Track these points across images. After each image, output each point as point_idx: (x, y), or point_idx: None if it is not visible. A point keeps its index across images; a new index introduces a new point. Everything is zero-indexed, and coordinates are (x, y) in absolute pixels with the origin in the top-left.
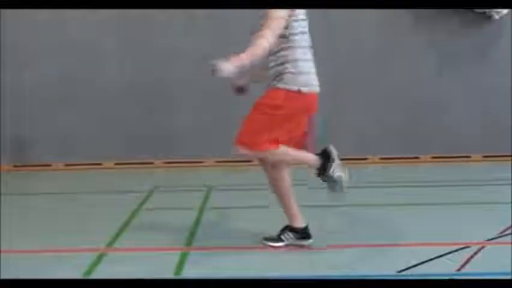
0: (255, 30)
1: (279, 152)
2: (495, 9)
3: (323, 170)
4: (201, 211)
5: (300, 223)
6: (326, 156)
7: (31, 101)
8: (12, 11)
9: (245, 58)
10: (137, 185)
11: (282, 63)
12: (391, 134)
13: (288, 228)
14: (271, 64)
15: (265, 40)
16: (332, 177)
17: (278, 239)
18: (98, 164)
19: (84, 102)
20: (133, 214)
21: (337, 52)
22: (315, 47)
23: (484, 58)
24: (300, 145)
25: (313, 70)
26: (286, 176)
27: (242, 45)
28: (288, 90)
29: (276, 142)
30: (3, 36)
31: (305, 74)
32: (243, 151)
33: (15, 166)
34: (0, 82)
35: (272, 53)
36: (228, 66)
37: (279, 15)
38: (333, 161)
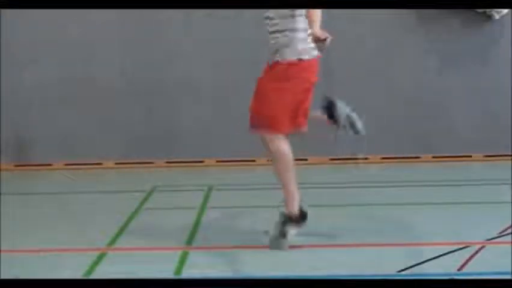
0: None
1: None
2: (495, 9)
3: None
4: (201, 211)
5: (296, 206)
6: (328, 105)
7: (31, 101)
8: (12, 11)
9: (318, 19)
10: (137, 184)
11: (284, 34)
12: (391, 133)
13: (287, 220)
14: (278, 41)
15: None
16: (341, 120)
17: (284, 236)
18: (98, 163)
19: (84, 102)
20: (133, 214)
21: (337, 52)
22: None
23: (484, 58)
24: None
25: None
26: (287, 152)
27: (242, 45)
28: (291, 62)
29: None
30: (3, 36)
31: (303, 41)
32: (272, 140)
33: (15, 166)
34: (0, 82)
35: (271, 18)
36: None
37: None
38: (335, 105)
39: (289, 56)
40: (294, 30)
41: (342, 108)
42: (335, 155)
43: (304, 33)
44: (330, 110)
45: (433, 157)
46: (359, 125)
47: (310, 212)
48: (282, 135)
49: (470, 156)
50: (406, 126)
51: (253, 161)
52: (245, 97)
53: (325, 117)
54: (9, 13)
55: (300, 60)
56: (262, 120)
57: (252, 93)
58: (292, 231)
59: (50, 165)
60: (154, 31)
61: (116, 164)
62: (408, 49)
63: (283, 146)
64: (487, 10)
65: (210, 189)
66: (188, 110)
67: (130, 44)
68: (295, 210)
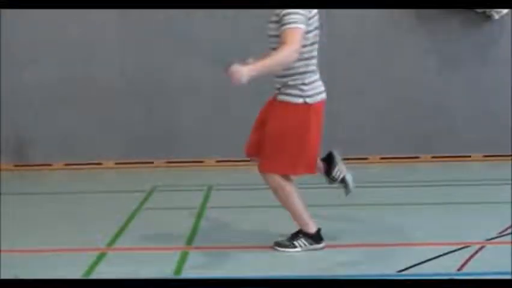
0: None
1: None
2: (495, 9)
3: (327, 174)
4: (201, 211)
5: (313, 228)
6: (329, 160)
7: (31, 101)
8: (12, 11)
9: (265, 67)
10: (137, 184)
11: (291, 76)
12: (391, 133)
13: (301, 234)
14: (279, 74)
15: (289, 53)
16: (336, 180)
17: (291, 244)
18: (98, 163)
19: (84, 102)
20: (133, 214)
21: (337, 52)
22: None
23: (484, 58)
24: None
25: (318, 77)
26: (289, 184)
27: (242, 45)
28: (297, 104)
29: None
30: (3, 36)
31: (313, 83)
32: (271, 177)
33: (15, 166)
34: (0, 82)
35: (287, 75)
36: (245, 72)
37: (300, 28)
38: (336, 165)
39: (296, 98)
40: (302, 73)
41: (341, 170)
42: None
43: (311, 76)
44: (329, 166)
45: (433, 157)
46: (351, 186)
47: (310, 212)
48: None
49: (470, 156)
50: (406, 126)
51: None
52: (245, 97)
53: (322, 167)
54: (9, 13)
55: (305, 103)
56: (272, 163)
57: (252, 94)
58: (302, 246)
59: (50, 165)
60: (154, 31)
61: (116, 164)
62: (408, 49)
63: (283, 181)
64: (487, 10)
65: (210, 189)
66: (189, 110)
67: (130, 44)
68: (312, 230)
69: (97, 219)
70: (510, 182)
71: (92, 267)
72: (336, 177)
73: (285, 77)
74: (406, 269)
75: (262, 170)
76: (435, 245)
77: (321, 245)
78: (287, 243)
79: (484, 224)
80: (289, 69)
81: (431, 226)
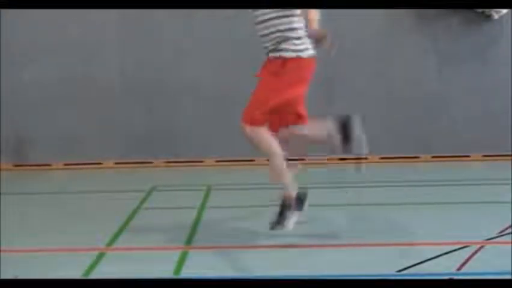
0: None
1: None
2: (494, 9)
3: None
4: (201, 211)
5: (293, 190)
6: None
7: (31, 101)
8: (12, 11)
9: (315, 20)
10: (137, 184)
11: (281, 31)
12: (391, 133)
13: (286, 207)
14: (267, 31)
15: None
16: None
17: (284, 222)
18: (98, 163)
19: (84, 102)
20: (133, 214)
21: (337, 52)
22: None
23: (484, 58)
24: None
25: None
26: (268, 135)
27: (242, 45)
28: (288, 58)
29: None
30: (3, 36)
31: (303, 38)
32: (246, 129)
33: (15, 166)
34: (0, 82)
35: (268, 19)
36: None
37: None
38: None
39: (288, 53)
40: (292, 29)
41: (357, 128)
42: (334, 155)
43: (301, 32)
44: (346, 129)
45: (433, 157)
46: (365, 147)
47: (309, 212)
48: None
49: (470, 156)
50: (406, 126)
51: (253, 161)
52: (245, 97)
53: (333, 135)
54: (9, 13)
55: (299, 57)
56: (249, 112)
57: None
58: (293, 216)
59: (49, 165)
60: (155, 31)
61: (115, 163)
62: (408, 49)
63: (266, 137)
64: (486, 10)
65: (210, 189)
66: (188, 110)
67: (130, 44)
68: (292, 192)
69: (97, 219)
70: (510, 182)
71: (91, 267)
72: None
73: (276, 34)
74: (406, 268)
75: (244, 121)
76: (435, 245)
77: (305, 205)
78: (280, 220)
79: (483, 224)
80: (282, 24)
81: (431, 226)
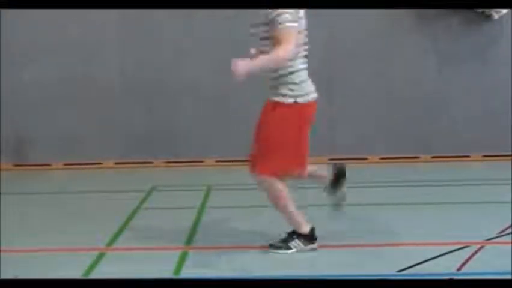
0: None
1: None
2: (494, 9)
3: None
4: (201, 211)
5: (306, 228)
6: (340, 174)
7: (31, 101)
8: (12, 11)
9: (260, 64)
10: (137, 184)
11: (281, 76)
12: (391, 133)
13: (295, 235)
14: (270, 75)
15: (284, 52)
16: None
17: (287, 246)
18: (98, 163)
19: (84, 102)
20: (133, 214)
21: (337, 52)
22: (315, 47)
23: (484, 58)
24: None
25: (308, 77)
26: (281, 186)
27: (242, 45)
28: (288, 104)
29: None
30: (3, 36)
31: (303, 83)
32: (264, 178)
33: (14, 166)
34: (0, 82)
35: (279, 76)
36: (242, 66)
37: (294, 26)
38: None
39: (287, 98)
40: (291, 73)
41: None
42: (334, 155)
43: (300, 76)
44: (339, 180)
45: (433, 157)
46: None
47: (309, 212)
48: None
49: (470, 156)
50: (406, 126)
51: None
52: (245, 97)
53: (326, 178)
54: (9, 13)
55: (296, 103)
56: (263, 163)
57: (252, 94)
58: (297, 246)
59: (49, 165)
60: (154, 31)
61: (115, 163)
62: (408, 49)
63: (275, 182)
64: (486, 10)
65: (210, 189)
66: (188, 110)
67: (130, 44)
68: (305, 230)
69: (97, 219)
70: (510, 182)
71: (91, 267)
72: (340, 193)
73: (275, 77)
74: (406, 268)
75: (255, 171)
76: (435, 245)
77: (315, 245)
78: (282, 245)
79: (483, 224)
80: (278, 69)
81: (431, 226)
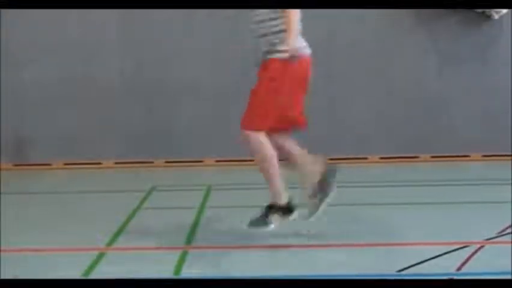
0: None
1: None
2: (494, 9)
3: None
4: (201, 210)
5: (284, 199)
6: (330, 176)
7: (31, 101)
8: (12, 11)
9: (293, 36)
10: (136, 184)
11: (273, 33)
12: (391, 133)
13: (273, 208)
14: (261, 32)
15: (295, 13)
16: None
17: (265, 222)
18: (97, 163)
19: (84, 102)
20: (133, 213)
21: (337, 52)
22: (315, 47)
23: (484, 58)
24: (292, 126)
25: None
26: (269, 149)
27: (242, 45)
28: (281, 60)
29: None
30: (3, 36)
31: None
32: (245, 135)
33: (14, 165)
34: (0, 82)
35: (262, 21)
36: (294, 44)
37: None
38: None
39: (280, 54)
40: (284, 30)
41: (331, 193)
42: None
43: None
44: (325, 181)
45: (432, 157)
46: (320, 211)
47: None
48: (264, 133)
49: (469, 156)
50: (406, 126)
51: (253, 160)
52: (245, 97)
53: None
54: (9, 13)
55: (292, 58)
56: (249, 118)
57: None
58: (275, 221)
59: (49, 164)
60: (154, 31)
61: (115, 163)
62: (408, 49)
63: (264, 144)
64: (486, 10)
65: (209, 189)
66: (188, 110)
67: (130, 44)
68: (282, 201)
69: (97, 219)
70: (510, 182)
71: (91, 267)
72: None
73: (267, 35)
74: (405, 268)
75: (245, 127)
76: (435, 245)
77: (293, 216)
78: (261, 220)
79: (483, 224)
80: (271, 27)
81: (430, 226)
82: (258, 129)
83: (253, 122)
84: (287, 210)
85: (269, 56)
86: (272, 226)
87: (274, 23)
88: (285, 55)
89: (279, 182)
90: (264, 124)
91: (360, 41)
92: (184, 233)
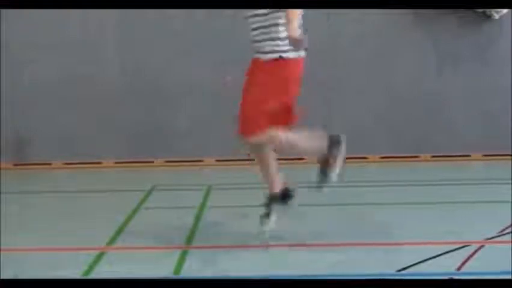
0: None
1: (278, 135)
2: (494, 9)
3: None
4: (201, 210)
5: (278, 187)
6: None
7: (31, 100)
8: (12, 11)
9: (295, 25)
10: (137, 184)
11: (266, 32)
12: (391, 133)
13: (272, 199)
14: (260, 38)
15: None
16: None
17: (268, 215)
18: (97, 162)
19: (84, 102)
20: (133, 213)
21: (337, 52)
22: (315, 47)
23: (484, 58)
24: (291, 120)
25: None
26: (266, 150)
27: (242, 45)
28: (274, 59)
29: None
30: (3, 36)
31: (287, 39)
32: (248, 139)
33: (14, 165)
34: (0, 82)
35: (254, 15)
36: (295, 33)
37: None
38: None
39: (272, 54)
40: (276, 25)
41: (342, 154)
42: None
43: (285, 31)
44: (334, 147)
45: (432, 156)
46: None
47: (309, 211)
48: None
49: (469, 156)
50: (406, 126)
51: (253, 160)
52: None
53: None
54: (9, 13)
55: (282, 58)
56: (245, 124)
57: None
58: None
59: (49, 164)
60: (154, 31)
61: (115, 163)
62: (408, 49)
63: (270, 137)
64: (486, 10)
65: (209, 188)
66: (188, 110)
67: (130, 44)
68: (277, 190)
69: (97, 219)
70: (510, 181)
71: (91, 267)
72: (338, 157)
73: (259, 34)
74: (405, 268)
75: (242, 135)
76: (435, 245)
77: (294, 202)
78: (265, 218)
79: (483, 224)
80: (263, 26)
81: (430, 225)
82: (254, 133)
83: (249, 127)
84: (283, 197)
85: (257, 55)
86: (274, 218)
87: (265, 18)
88: (276, 55)
89: (274, 175)
90: (260, 126)
91: (360, 41)
92: (184, 232)
